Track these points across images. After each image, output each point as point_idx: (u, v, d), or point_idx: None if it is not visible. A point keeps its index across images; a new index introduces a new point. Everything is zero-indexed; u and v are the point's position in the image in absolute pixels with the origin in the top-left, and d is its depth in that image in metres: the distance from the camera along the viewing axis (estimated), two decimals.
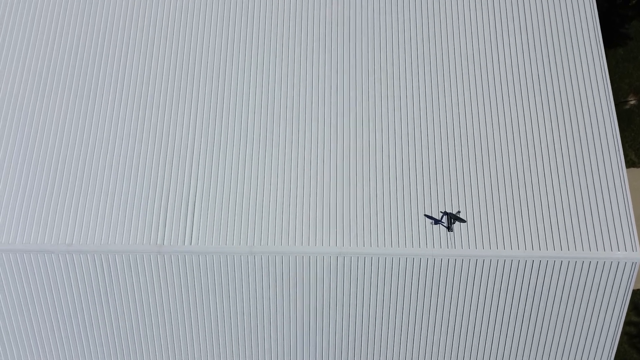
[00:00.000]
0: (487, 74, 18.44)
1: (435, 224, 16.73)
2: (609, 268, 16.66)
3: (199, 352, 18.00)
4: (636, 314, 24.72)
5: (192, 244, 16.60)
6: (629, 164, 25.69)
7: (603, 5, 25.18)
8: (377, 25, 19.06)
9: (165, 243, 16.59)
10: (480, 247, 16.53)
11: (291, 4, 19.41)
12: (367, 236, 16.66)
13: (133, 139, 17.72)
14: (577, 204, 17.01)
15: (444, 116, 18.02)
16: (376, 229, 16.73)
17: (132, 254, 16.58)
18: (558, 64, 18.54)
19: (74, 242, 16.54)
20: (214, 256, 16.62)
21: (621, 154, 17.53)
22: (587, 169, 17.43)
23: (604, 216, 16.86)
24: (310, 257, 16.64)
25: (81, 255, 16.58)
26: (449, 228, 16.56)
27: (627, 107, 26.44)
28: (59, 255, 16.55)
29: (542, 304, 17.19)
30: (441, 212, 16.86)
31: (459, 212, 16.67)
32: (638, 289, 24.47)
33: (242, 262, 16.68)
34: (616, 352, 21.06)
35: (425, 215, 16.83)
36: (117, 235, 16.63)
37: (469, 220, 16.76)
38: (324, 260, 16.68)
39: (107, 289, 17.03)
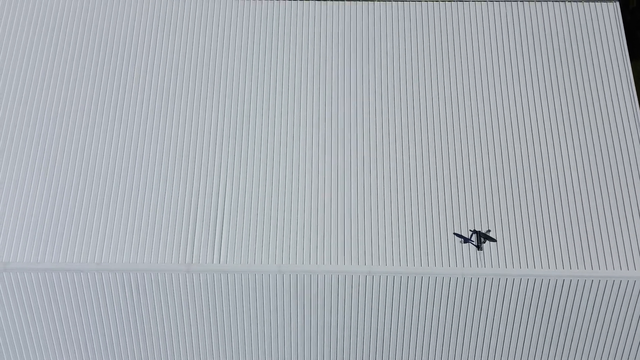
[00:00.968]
0: (522, 97, 18.60)
1: (465, 242, 16.66)
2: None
3: None
4: None
5: (221, 262, 16.58)
6: None
7: (625, 17, 25.11)
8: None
9: (194, 262, 16.59)
10: (510, 266, 16.45)
11: (315, 21, 19.55)
12: (397, 255, 16.61)
13: (162, 159, 17.77)
14: (608, 222, 16.93)
15: (478, 137, 18.08)
16: (405, 248, 16.67)
17: (161, 273, 16.58)
18: (587, 90, 18.70)
19: (102, 261, 16.55)
20: (242, 275, 16.60)
21: None
22: (617, 188, 17.37)
23: (634, 234, 16.77)
24: (339, 275, 16.59)
25: (110, 274, 16.58)
26: (479, 247, 16.48)
27: None
28: (88, 274, 16.56)
29: (572, 323, 17.09)
30: (470, 230, 16.80)
31: (489, 230, 16.58)
32: None
33: (271, 281, 16.65)
34: None
35: (455, 233, 16.77)
36: (146, 254, 16.63)
37: (499, 239, 16.69)
38: (353, 279, 16.63)
39: (136, 307, 17.02)
